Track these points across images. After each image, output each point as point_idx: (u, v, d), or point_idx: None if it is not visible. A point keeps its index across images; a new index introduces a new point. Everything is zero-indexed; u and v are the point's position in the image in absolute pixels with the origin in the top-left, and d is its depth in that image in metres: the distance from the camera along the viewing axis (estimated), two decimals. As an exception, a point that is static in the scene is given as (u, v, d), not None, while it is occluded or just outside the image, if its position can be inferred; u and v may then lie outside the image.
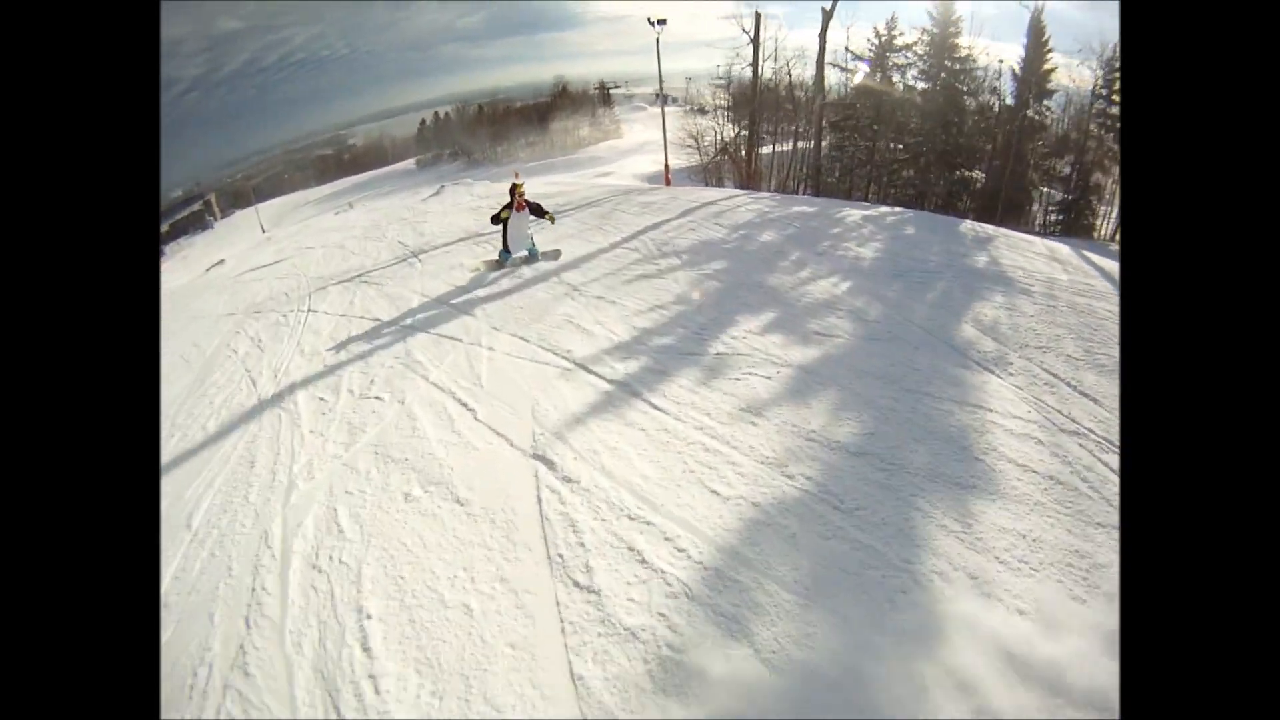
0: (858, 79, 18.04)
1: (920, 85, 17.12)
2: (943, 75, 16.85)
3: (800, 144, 19.49)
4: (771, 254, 8.76)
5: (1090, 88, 16.46)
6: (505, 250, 8.87)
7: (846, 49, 17.72)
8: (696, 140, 21.87)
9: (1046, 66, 16.41)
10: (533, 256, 8.99)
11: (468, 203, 14.76)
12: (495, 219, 8.59)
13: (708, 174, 21.29)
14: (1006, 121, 16.30)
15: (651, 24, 18.67)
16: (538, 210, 8.80)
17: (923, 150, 16.90)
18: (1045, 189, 17.24)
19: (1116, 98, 16.54)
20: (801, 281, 7.70)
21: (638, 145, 27.54)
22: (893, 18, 17.27)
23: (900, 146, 17.36)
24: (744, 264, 8.36)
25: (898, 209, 12.51)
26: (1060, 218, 17.01)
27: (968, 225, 11.42)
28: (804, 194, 19.27)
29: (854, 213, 11.41)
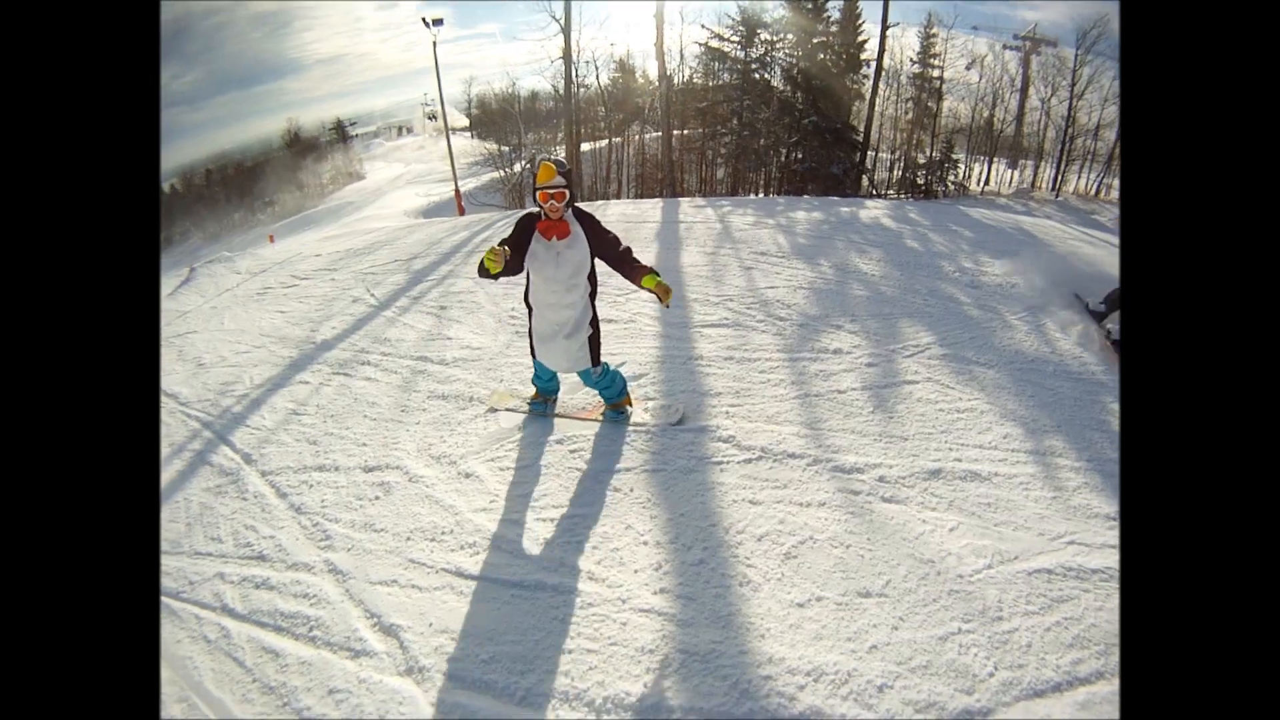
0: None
1: (798, 58, 15.36)
2: (819, 55, 15.32)
3: (616, 139, 16.30)
4: (928, 298, 5.31)
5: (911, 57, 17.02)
6: (540, 375, 3.63)
7: (703, 25, 15.36)
8: (497, 157, 17.53)
9: (860, 39, 16.21)
10: (616, 412, 3.63)
11: (240, 287, 7.73)
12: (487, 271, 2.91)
13: (510, 193, 16.83)
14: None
15: (427, 24, 16.22)
16: (622, 257, 3.17)
17: (821, 130, 15.02)
18: (873, 153, 17.17)
19: (933, 61, 17.18)
20: (1061, 340, 4.48)
21: (387, 182, 24.74)
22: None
23: (785, 133, 15.24)
24: (946, 325, 4.79)
25: (894, 199, 10.28)
26: (907, 175, 17.14)
27: (964, 209, 9.65)
28: (628, 197, 16.27)
29: (866, 212, 8.69)
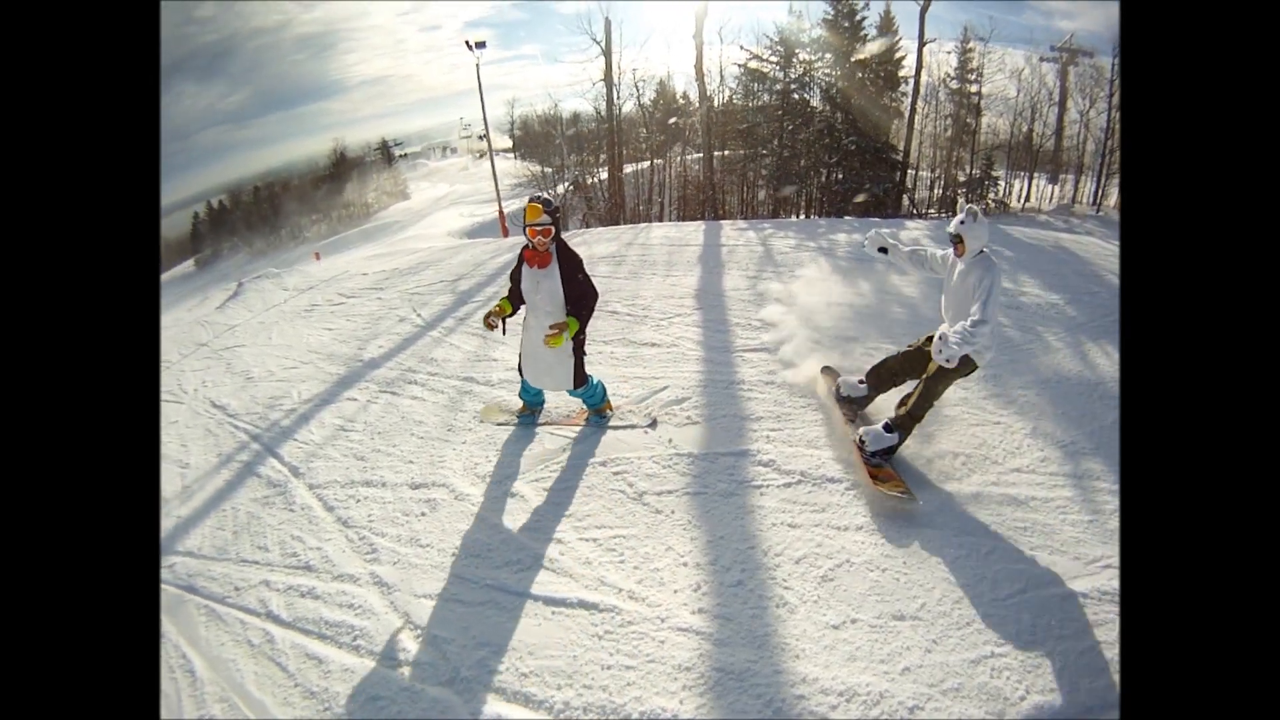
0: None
1: (837, 78, 15.44)
2: (858, 74, 15.40)
3: (659, 160, 16.57)
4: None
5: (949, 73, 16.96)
6: (526, 389, 3.97)
7: (741, 47, 15.59)
8: (540, 179, 18.11)
9: (897, 55, 16.22)
10: (598, 416, 3.94)
11: (287, 303, 8.17)
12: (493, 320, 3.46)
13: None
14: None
15: (470, 47, 16.60)
16: (575, 301, 3.47)
17: (862, 150, 15.02)
18: (913, 171, 17.03)
19: (970, 76, 17.05)
20: (1102, 362, 4.52)
21: (431, 203, 25.53)
22: (797, 11, 15.61)
23: (826, 153, 15.26)
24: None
25: (935, 218, 10.29)
26: (947, 193, 16.91)
27: (1005, 228, 9.50)
28: (670, 219, 16.39)
29: (907, 233, 8.79)
